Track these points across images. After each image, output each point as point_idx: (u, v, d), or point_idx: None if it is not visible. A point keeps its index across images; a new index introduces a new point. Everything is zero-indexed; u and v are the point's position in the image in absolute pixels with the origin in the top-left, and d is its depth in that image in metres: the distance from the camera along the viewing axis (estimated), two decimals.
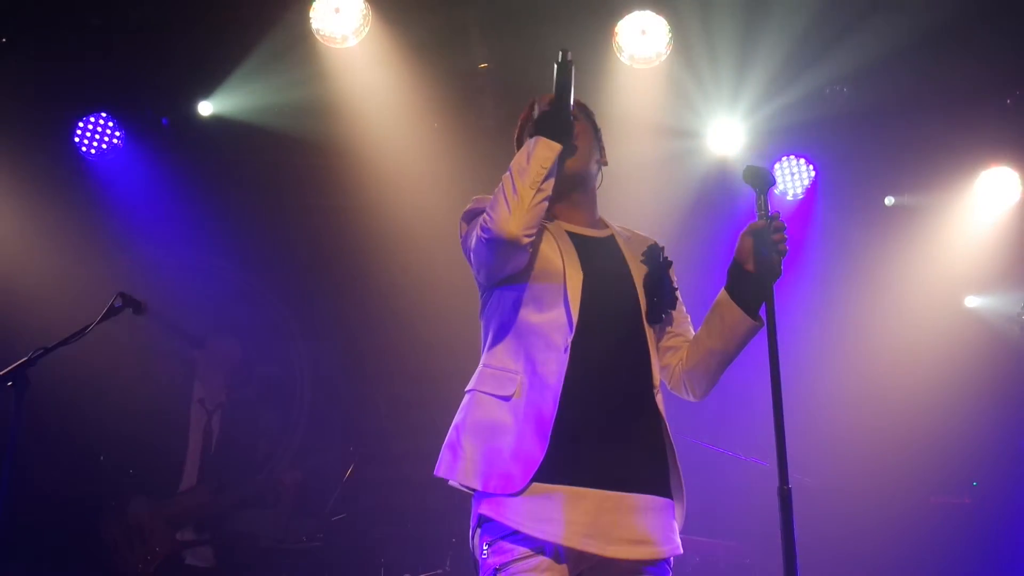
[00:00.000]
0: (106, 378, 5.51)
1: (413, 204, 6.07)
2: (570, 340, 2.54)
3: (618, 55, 5.70)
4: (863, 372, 6.20)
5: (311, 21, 5.52)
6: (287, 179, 6.24)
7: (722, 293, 2.69)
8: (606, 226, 2.85)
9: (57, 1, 5.49)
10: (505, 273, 2.63)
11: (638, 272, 2.73)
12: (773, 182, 2.57)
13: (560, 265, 2.61)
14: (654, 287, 2.70)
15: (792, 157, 6.26)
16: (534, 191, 2.50)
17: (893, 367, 6.19)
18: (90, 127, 5.93)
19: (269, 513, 5.38)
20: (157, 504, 5.22)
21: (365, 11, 5.55)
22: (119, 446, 5.23)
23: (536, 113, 2.69)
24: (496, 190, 2.54)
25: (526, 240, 2.51)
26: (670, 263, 2.78)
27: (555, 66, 2.64)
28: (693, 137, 6.10)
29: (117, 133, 5.96)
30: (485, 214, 2.53)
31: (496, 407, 2.56)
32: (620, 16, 5.64)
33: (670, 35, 5.63)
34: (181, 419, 5.45)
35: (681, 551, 2.61)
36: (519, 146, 2.84)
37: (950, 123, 5.94)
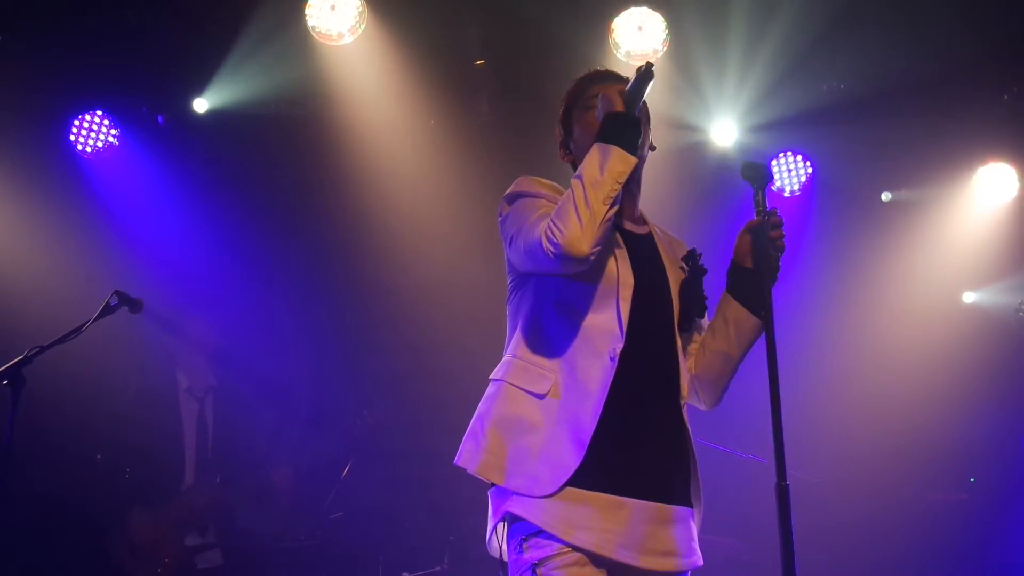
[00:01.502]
0: (104, 377, 5.49)
1: (411, 201, 6.06)
2: (619, 350, 2.46)
3: (615, 51, 5.69)
4: (860, 368, 6.20)
5: (307, 18, 5.51)
6: (283, 177, 6.22)
7: (724, 295, 2.66)
8: (645, 222, 2.76)
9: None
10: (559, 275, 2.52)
11: (674, 277, 2.65)
12: (771, 178, 2.55)
13: (614, 269, 2.52)
14: (689, 294, 2.64)
15: (789, 153, 6.26)
16: (607, 206, 2.37)
17: (891, 363, 6.20)
18: (86, 125, 5.91)
19: (265, 510, 5.30)
20: (159, 511, 5.01)
21: (361, 8, 5.54)
22: (116, 445, 5.15)
23: (601, 112, 2.50)
24: (565, 199, 2.39)
25: (595, 255, 2.39)
26: (706, 271, 2.70)
27: (636, 74, 2.47)
28: (690, 134, 6.09)
29: (113, 131, 5.94)
30: (552, 225, 2.36)
31: (527, 403, 2.47)
32: (616, 12, 5.64)
33: (667, 31, 5.62)
34: (173, 410, 5.25)
35: (702, 563, 2.60)
36: (565, 125, 2.73)
37: (947, 119, 5.94)
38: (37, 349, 3.60)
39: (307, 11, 5.49)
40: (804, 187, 6.25)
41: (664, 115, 5.98)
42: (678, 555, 2.50)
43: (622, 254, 2.55)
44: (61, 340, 3.68)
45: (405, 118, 5.94)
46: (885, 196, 6.41)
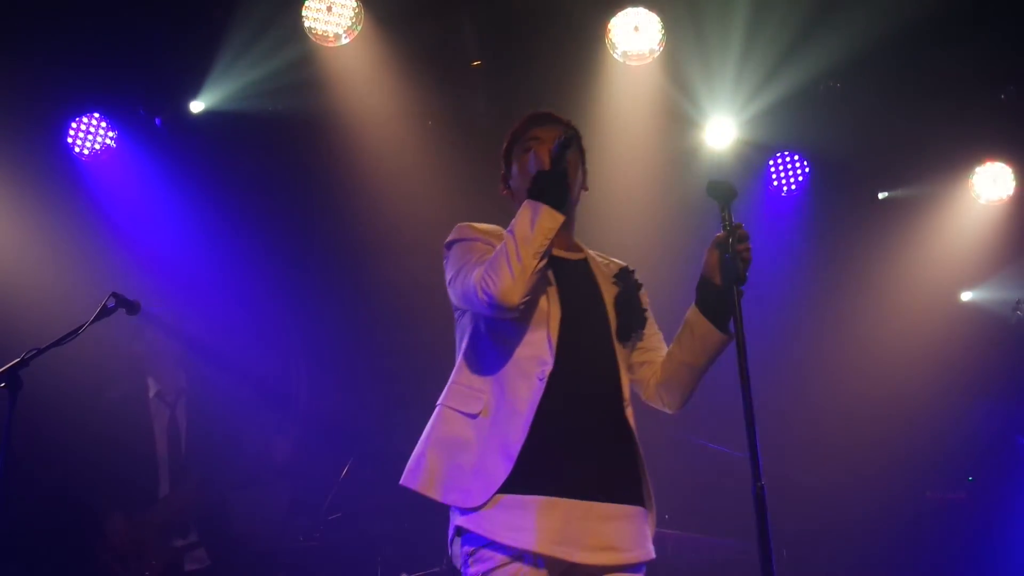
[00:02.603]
0: (101, 380, 5.49)
1: (408, 203, 6.06)
2: (548, 372, 2.63)
3: (611, 52, 5.70)
4: (858, 367, 6.21)
5: (303, 20, 5.51)
6: (280, 179, 6.22)
7: (692, 309, 2.76)
8: (580, 249, 2.94)
9: (48, 1, 5.47)
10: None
11: (609, 293, 2.83)
12: (735, 195, 2.62)
13: (545, 304, 2.69)
14: (624, 307, 2.81)
15: (786, 153, 6.27)
16: (537, 260, 2.55)
17: (888, 362, 6.20)
18: (83, 127, 5.90)
19: (260, 508, 5.27)
20: (137, 517, 4.97)
21: (358, 9, 5.55)
22: (111, 450, 5.13)
23: (533, 168, 2.70)
24: (499, 252, 2.56)
25: (524, 303, 2.57)
26: (640, 285, 2.88)
27: (559, 141, 2.67)
28: (686, 133, 6.09)
29: (110, 133, 5.94)
30: (486, 276, 2.55)
31: (462, 424, 2.66)
32: (613, 13, 5.64)
33: (663, 32, 5.63)
34: (145, 422, 5.19)
35: (653, 556, 2.70)
36: (507, 160, 2.94)
37: (944, 118, 5.95)
38: (34, 351, 3.59)
39: (304, 13, 5.50)
40: (801, 186, 6.26)
41: (661, 115, 5.99)
42: (620, 549, 2.61)
43: (552, 291, 2.72)
44: (58, 343, 3.67)
45: (402, 119, 5.94)
46: (882, 195, 6.42)
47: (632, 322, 2.80)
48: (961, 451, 6.08)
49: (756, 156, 6.25)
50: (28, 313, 5.27)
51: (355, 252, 6.25)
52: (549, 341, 2.64)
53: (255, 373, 5.62)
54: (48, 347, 3.63)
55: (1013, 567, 5.90)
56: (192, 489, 5.06)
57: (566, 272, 2.79)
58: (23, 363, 3.55)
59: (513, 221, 2.61)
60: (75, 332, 3.67)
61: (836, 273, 6.31)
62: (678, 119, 6.02)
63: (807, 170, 6.24)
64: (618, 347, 2.77)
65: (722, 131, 6.05)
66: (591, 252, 2.95)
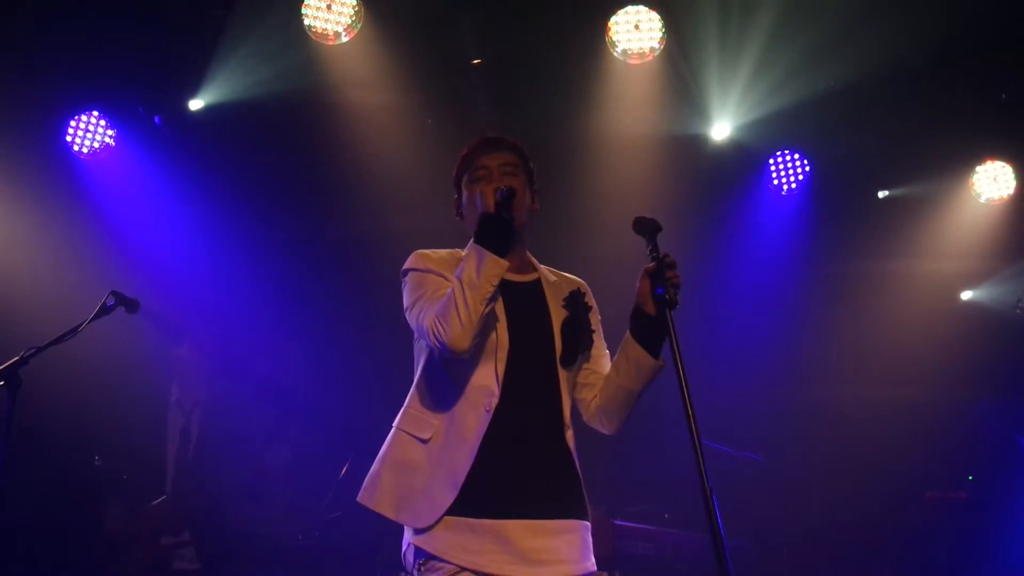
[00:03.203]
0: (100, 378, 5.49)
1: (408, 200, 6.05)
2: (495, 404, 2.76)
3: (611, 51, 5.69)
4: (858, 366, 6.21)
5: (303, 18, 5.51)
6: (280, 177, 6.22)
7: (627, 336, 2.85)
8: (534, 269, 3.02)
9: (48, 0, 5.46)
10: None
11: (557, 317, 2.92)
12: (660, 229, 2.76)
13: (493, 336, 2.80)
14: (571, 332, 2.90)
15: (786, 151, 6.26)
16: (484, 306, 2.67)
17: (888, 361, 6.20)
18: (82, 125, 5.90)
19: (260, 507, 5.29)
20: (137, 511, 5.07)
21: (357, 7, 5.54)
22: (113, 447, 5.16)
23: (480, 206, 2.80)
24: (449, 299, 2.68)
25: (475, 345, 2.70)
26: (590, 307, 2.97)
27: (501, 193, 2.76)
28: (686, 132, 6.09)
29: (110, 131, 5.94)
30: (438, 323, 2.67)
31: (414, 447, 2.81)
32: (613, 11, 5.64)
33: (663, 31, 5.62)
34: (161, 419, 5.31)
35: (595, 568, 2.82)
36: (457, 186, 2.99)
37: (945, 117, 5.95)
38: (33, 350, 3.59)
39: (303, 11, 5.49)
40: (801, 185, 6.25)
41: (661, 114, 5.98)
42: (565, 562, 2.74)
43: (501, 323, 2.84)
44: (58, 340, 3.67)
45: (401, 117, 5.94)
46: (882, 194, 6.41)
47: (577, 347, 2.89)
48: (961, 450, 6.07)
49: (756, 155, 6.24)
50: (27, 311, 5.27)
51: (354, 250, 6.24)
52: (496, 374, 2.78)
53: (259, 377, 5.61)
54: (47, 345, 3.63)
55: (1013, 566, 5.90)
56: (192, 493, 5.08)
57: (516, 298, 2.89)
58: (22, 361, 3.55)
59: (461, 265, 2.72)
60: (74, 330, 3.67)
61: (836, 272, 6.30)
62: (678, 117, 6.01)
63: (807, 169, 6.23)
64: (562, 372, 2.87)
65: (722, 130, 6.04)
66: (544, 270, 3.03)
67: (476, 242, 2.74)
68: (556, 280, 3.03)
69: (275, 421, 5.99)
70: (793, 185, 6.25)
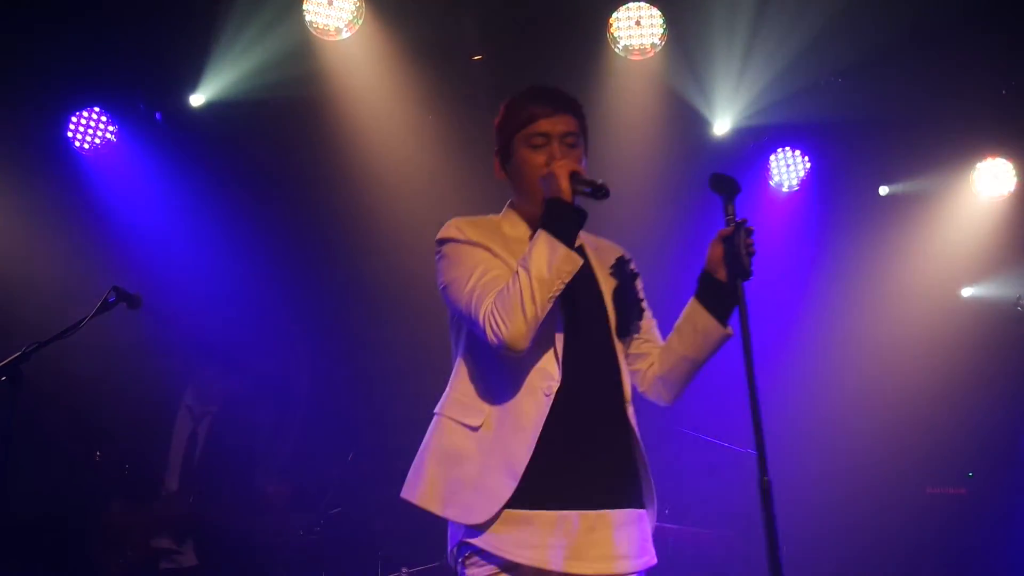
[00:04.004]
0: (103, 373, 5.49)
1: (408, 197, 6.06)
2: (554, 389, 2.54)
3: (612, 47, 5.69)
4: (859, 363, 6.20)
5: (304, 14, 5.51)
6: (282, 174, 6.22)
7: (693, 302, 2.70)
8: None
9: None
10: None
11: (607, 286, 2.73)
12: (739, 188, 2.58)
13: (550, 314, 2.54)
14: (623, 302, 2.72)
15: (787, 148, 6.26)
16: (551, 302, 2.46)
17: (888, 358, 6.20)
18: (83, 122, 5.90)
19: (257, 522, 5.27)
20: (133, 508, 4.98)
21: (359, 3, 5.54)
22: (115, 444, 5.14)
23: (548, 189, 2.54)
24: (512, 290, 2.44)
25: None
26: (637, 275, 2.79)
27: (590, 187, 2.53)
28: (687, 129, 6.09)
29: (111, 127, 5.94)
30: (497, 316, 2.44)
31: (462, 435, 2.57)
32: (614, 7, 5.63)
33: (664, 27, 5.62)
34: (168, 420, 5.20)
35: (656, 561, 2.65)
36: (503, 139, 2.78)
37: (946, 114, 5.95)
38: (35, 345, 3.59)
39: (305, 7, 5.49)
40: (802, 182, 6.25)
41: (663, 110, 5.98)
42: (626, 557, 2.55)
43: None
44: (60, 336, 3.67)
45: (403, 113, 5.94)
46: (883, 190, 6.41)
47: (630, 317, 2.72)
48: (961, 446, 6.08)
49: (757, 151, 6.24)
50: (29, 307, 5.28)
51: (357, 246, 6.24)
52: (556, 354, 2.55)
53: (260, 375, 5.58)
54: (49, 341, 3.64)
55: (1013, 562, 5.91)
56: (190, 503, 5.03)
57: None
58: (24, 357, 3.55)
59: (529, 253, 2.47)
60: (76, 326, 3.68)
61: (837, 269, 6.30)
62: (679, 114, 6.01)
63: (808, 165, 6.23)
64: (618, 344, 2.69)
65: (723, 126, 6.04)
66: (586, 237, 2.80)
67: (546, 230, 2.49)
68: (598, 246, 2.82)
69: (275, 418, 5.99)
70: (794, 182, 6.26)
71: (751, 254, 2.56)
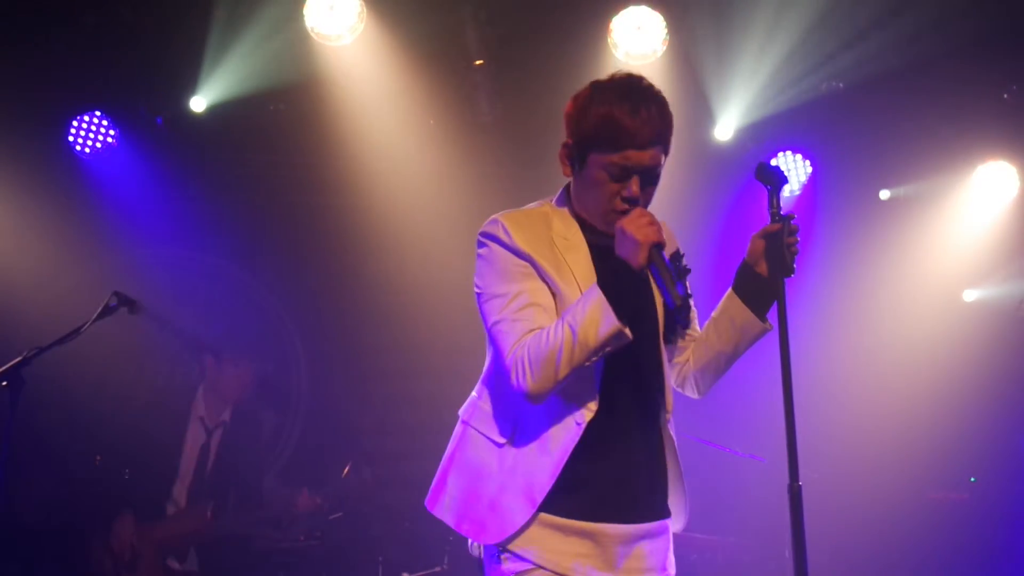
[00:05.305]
0: (103, 378, 5.49)
1: (410, 201, 6.06)
2: (588, 419, 2.42)
3: (613, 51, 5.69)
4: (861, 367, 6.19)
5: (305, 19, 5.50)
6: (283, 177, 6.23)
7: (731, 295, 2.62)
8: None
9: (50, 1, 5.46)
10: None
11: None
12: (785, 180, 2.53)
13: None
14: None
15: (789, 152, 6.26)
16: (588, 364, 2.34)
17: (891, 361, 6.19)
18: (84, 126, 5.90)
19: (261, 509, 5.25)
20: (145, 526, 4.92)
21: (360, 8, 5.54)
22: (115, 449, 5.12)
23: (624, 247, 2.35)
24: (549, 345, 2.30)
25: None
26: (689, 271, 2.57)
27: (669, 265, 2.38)
28: (688, 134, 6.08)
29: (111, 132, 5.94)
30: (527, 364, 2.31)
31: (486, 450, 2.49)
32: (615, 12, 5.63)
33: (666, 31, 5.62)
34: (179, 431, 5.18)
35: (674, 573, 2.61)
36: (578, 144, 2.53)
37: (947, 117, 5.94)
38: (36, 350, 3.59)
39: (305, 11, 5.48)
40: (804, 186, 6.25)
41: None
42: (653, 570, 2.51)
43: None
44: (60, 341, 3.68)
45: (404, 118, 5.94)
46: (884, 194, 6.41)
47: (680, 321, 2.62)
48: (964, 451, 6.06)
49: (759, 155, 6.23)
50: (30, 312, 5.28)
51: (358, 250, 6.24)
52: (594, 381, 2.42)
53: (261, 380, 5.57)
54: (50, 346, 3.64)
55: (1015, 567, 5.89)
56: (208, 519, 4.98)
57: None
58: (25, 361, 3.56)
59: (580, 310, 2.30)
60: (77, 331, 3.69)
61: (838, 273, 6.30)
62: (681, 119, 5.99)
63: (810, 169, 6.23)
64: (663, 349, 2.58)
65: (724, 131, 6.04)
66: None
67: (605, 294, 2.31)
68: None
69: (276, 421, 5.98)
70: (796, 186, 6.25)
71: (794, 253, 2.50)
